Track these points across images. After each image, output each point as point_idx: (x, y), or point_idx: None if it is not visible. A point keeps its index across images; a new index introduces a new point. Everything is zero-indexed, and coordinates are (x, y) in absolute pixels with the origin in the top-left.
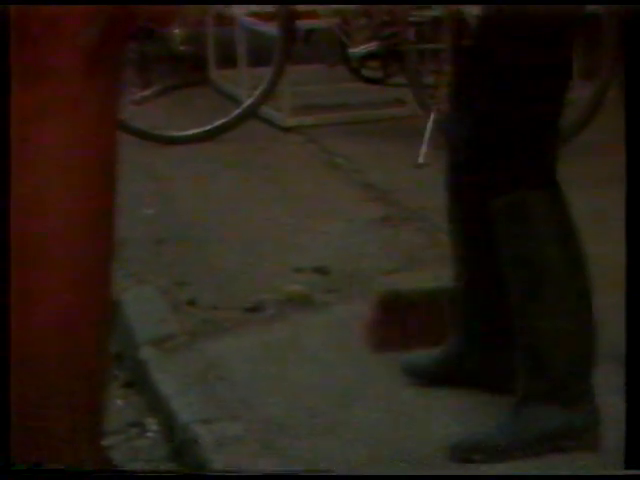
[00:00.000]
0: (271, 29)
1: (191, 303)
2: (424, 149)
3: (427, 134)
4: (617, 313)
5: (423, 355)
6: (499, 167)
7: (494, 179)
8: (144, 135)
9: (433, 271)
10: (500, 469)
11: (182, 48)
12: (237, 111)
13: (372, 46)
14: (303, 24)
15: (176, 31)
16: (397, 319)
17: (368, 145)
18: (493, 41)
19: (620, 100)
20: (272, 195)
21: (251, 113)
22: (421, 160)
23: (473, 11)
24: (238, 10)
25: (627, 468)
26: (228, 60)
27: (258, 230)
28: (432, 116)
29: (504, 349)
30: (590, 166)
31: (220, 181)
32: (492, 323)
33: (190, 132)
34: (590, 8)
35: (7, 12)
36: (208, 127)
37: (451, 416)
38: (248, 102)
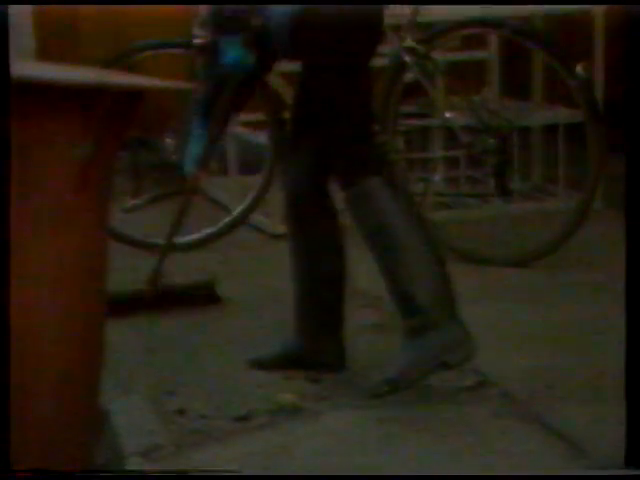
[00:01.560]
0: (261, 138)
1: (180, 412)
2: None
3: None
4: None
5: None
6: (340, 168)
7: (339, 179)
8: (135, 243)
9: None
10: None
11: (174, 157)
12: (227, 219)
13: None
14: None
15: (168, 140)
16: None
17: (359, 250)
18: (306, 47)
19: (604, 211)
20: (263, 301)
21: (241, 221)
22: None
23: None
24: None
25: (627, 468)
26: (219, 168)
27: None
28: None
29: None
30: (574, 277)
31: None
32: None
33: (180, 240)
34: (574, 116)
35: (7, 12)
36: (198, 235)
37: None
38: (238, 210)
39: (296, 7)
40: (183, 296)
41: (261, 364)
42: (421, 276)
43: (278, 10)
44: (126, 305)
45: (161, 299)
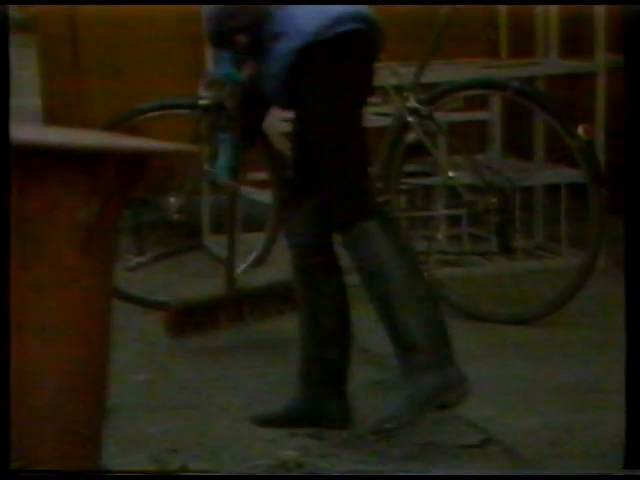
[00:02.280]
0: (265, 197)
1: (183, 470)
2: None
3: None
4: None
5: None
6: (339, 212)
7: (338, 225)
8: (139, 301)
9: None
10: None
11: (177, 216)
12: None
13: None
14: None
15: (171, 199)
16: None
17: (361, 307)
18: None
19: (607, 270)
20: (267, 361)
21: None
22: None
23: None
24: None
25: (627, 468)
26: (222, 226)
27: (253, 394)
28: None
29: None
30: (577, 335)
31: (212, 347)
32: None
33: (185, 298)
34: (575, 176)
35: (7, 12)
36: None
37: None
38: (242, 267)
39: (287, 57)
40: (261, 298)
41: (265, 421)
42: (419, 317)
43: (271, 59)
44: (208, 311)
45: (239, 303)
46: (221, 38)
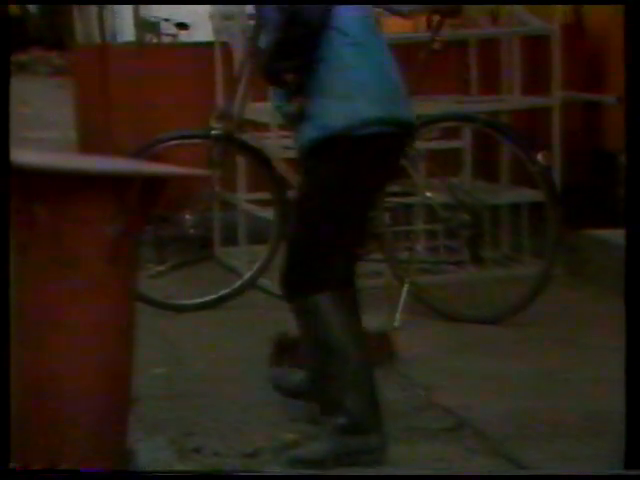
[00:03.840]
0: (267, 214)
1: (196, 451)
2: (399, 314)
3: (401, 301)
4: None
5: (290, 375)
6: (297, 278)
7: (294, 288)
8: (159, 304)
9: None
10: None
11: (191, 231)
12: (238, 282)
13: None
14: None
15: (186, 216)
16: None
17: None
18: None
19: (563, 277)
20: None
21: (250, 284)
22: (397, 324)
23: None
24: (240, 197)
25: (627, 468)
26: (231, 239)
27: (262, 385)
28: (406, 286)
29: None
30: (539, 332)
31: (224, 343)
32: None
33: (198, 301)
34: (536, 196)
35: (7, 11)
36: (213, 296)
37: None
38: (248, 275)
39: (310, 142)
40: None
41: (281, 388)
42: (353, 387)
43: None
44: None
45: None
46: (273, 75)
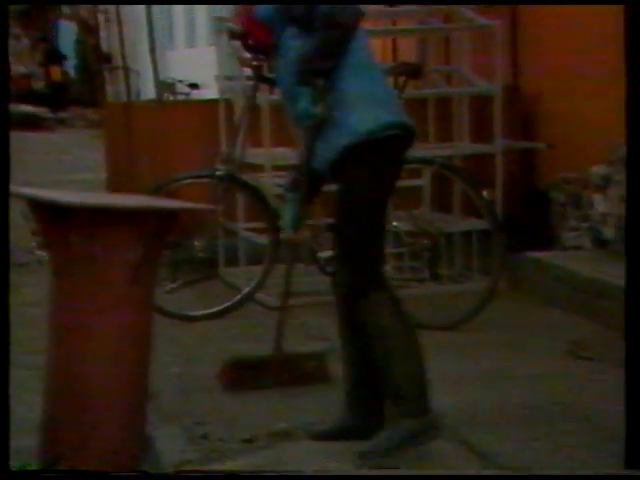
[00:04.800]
0: (263, 240)
1: (204, 437)
2: None
3: None
4: None
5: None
6: (354, 281)
7: (352, 290)
8: (173, 315)
9: None
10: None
11: (200, 254)
12: (238, 297)
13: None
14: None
15: (196, 242)
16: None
17: (333, 318)
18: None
19: (507, 291)
20: None
21: (249, 298)
22: None
23: None
24: (240, 226)
25: (627, 468)
26: (232, 261)
27: None
28: None
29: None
30: (487, 337)
31: (228, 347)
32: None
33: (206, 312)
34: (482, 225)
35: (7, 11)
36: (218, 308)
37: None
38: (246, 290)
39: (339, 150)
40: (298, 366)
41: (325, 436)
42: (408, 375)
43: (325, 144)
44: (253, 372)
45: (281, 367)
46: (305, 76)
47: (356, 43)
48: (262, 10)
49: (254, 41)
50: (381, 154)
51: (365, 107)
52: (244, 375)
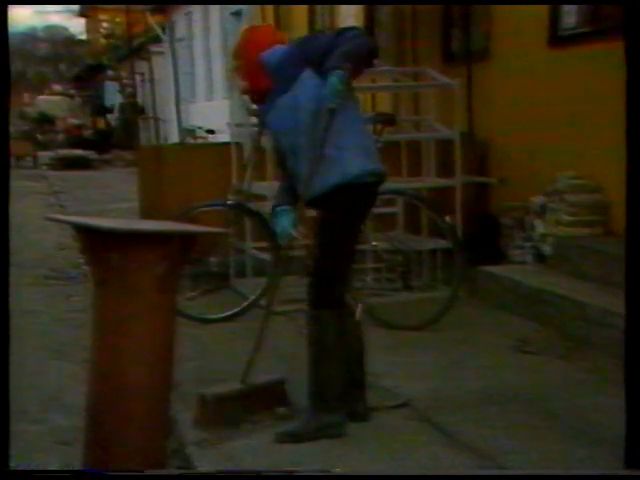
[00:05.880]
0: (266, 256)
1: None
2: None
3: (357, 316)
4: None
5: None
6: (314, 295)
7: (311, 302)
8: (193, 318)
9: None
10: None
11: (215, 268)
12: (246, 303)
13: None
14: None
15: (211, 259)
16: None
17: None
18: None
19: (466, 299)
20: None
21: (255, 304)
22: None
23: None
24: (248, 245)
25: (627, 468)
26: (241, 273)
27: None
28: (360, 306)
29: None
30: (450, 335)
31: (237, 344)
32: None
33: (219, 315)
34: (445, 245)
35: (6, 11)
36: (229, 312)
37: None
38: (252, 298)
39: (330, 187)
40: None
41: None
42: (334, 379)
43: (317, 181)
44: (222, 404)
45: (246, 398)
46: (341, 60)
47: (351, 101)
48: (274, 58)
49: (255, 89)
50: (361, 195)
51: (355, 154)
52: (215, 413)
